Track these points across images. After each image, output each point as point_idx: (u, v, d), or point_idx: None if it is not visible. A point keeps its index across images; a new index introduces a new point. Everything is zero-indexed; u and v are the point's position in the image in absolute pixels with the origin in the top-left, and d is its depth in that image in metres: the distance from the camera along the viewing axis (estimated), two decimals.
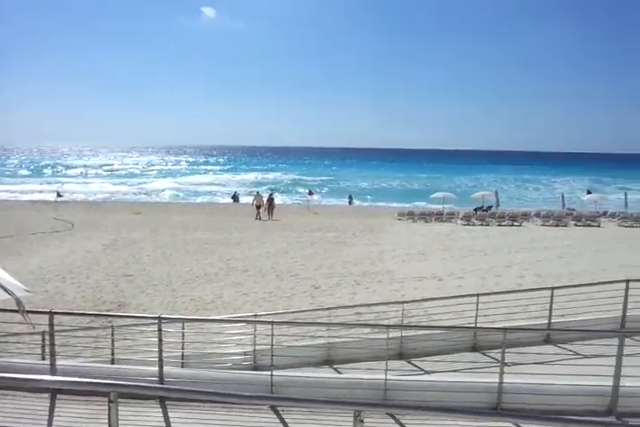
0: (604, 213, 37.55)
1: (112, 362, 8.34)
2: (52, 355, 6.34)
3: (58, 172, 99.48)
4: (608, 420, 5.86)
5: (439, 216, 35.74)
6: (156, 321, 6.47)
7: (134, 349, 8.23)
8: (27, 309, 4.84)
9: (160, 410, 5.72)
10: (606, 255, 21.33)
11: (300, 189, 66.98)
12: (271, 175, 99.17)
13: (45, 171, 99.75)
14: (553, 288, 9.70)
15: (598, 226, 33.15)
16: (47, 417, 5.45)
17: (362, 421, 3.67)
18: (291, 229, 29.08)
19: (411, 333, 9.40)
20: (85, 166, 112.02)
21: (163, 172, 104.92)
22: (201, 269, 18.63)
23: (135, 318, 9.01)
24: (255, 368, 8.08)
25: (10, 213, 35.81)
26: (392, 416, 5.65)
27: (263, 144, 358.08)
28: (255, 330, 8.34)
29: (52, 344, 6.35)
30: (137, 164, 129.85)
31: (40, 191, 59.59)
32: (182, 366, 7.38)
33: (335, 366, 8.71)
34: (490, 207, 40.58)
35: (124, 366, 7.13)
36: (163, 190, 67.80)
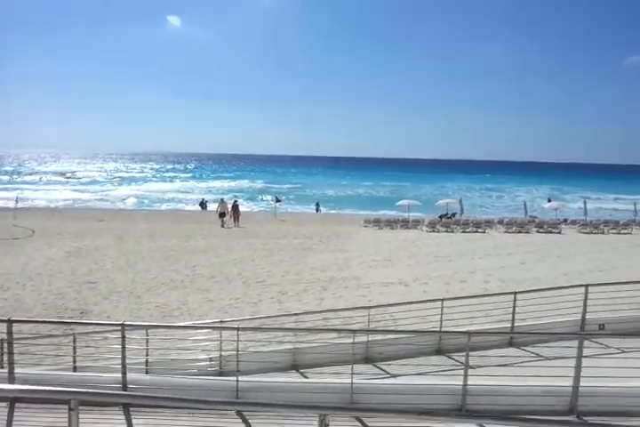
0: (565, 221, 38.50)
1: (74, 370, 8.15)
2: (11, 363, 6.16)
3: (17, 178, 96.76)
4: (569, 419, 6.00)
5: (405, 223, 36.05)
6: (119, 328, 6.37)
7: (97, 356, 8.09)
8: None
9: (123, 417, 5.61)
10: (567, 261, 21.93)
11: (267, 197, 66.60)
12: (237, 183, 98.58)
13: (3, 177, 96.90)
14: (516, 293, 9.92)
15: (559, 233, 34.03)
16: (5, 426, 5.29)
17: (327, 425, 3.68)
18: (257, 237, 28.91)
19: (377, 337, 9.48)
20: (45, 173, 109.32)
21: (127, 179, 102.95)
22: (166, 277, 18.36)
23: (98, 326, 8.88)
24: (221, 374, 7.99)
25: None
26: (358, 420, 5.67)
27: (230, 151, 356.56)
28: (221, 336, 8.25)
29: (11, 353, 6.18)
30: (100, 171, 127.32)
31: None
32: (147, 373, 7.26)
33: (302, 371, 8.70)
34: (454, 214, 41.18)
35: (87, 374, 6.99)
36: (127, 197, 66.50)
